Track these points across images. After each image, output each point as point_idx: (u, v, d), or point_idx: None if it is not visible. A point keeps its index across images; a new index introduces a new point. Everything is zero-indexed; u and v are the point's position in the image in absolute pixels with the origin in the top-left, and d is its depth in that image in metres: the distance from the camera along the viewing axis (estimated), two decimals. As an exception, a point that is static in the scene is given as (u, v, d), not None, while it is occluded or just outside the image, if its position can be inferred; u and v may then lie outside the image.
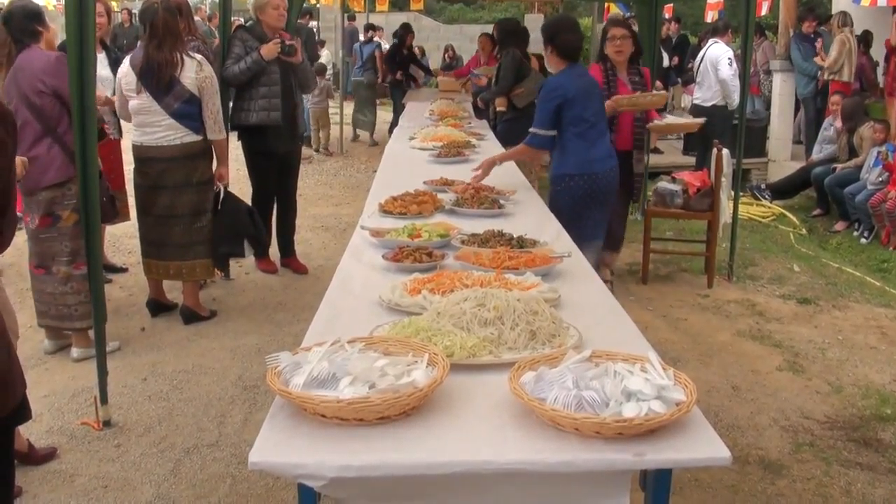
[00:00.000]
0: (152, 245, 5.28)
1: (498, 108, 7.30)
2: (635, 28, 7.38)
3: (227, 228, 5.35)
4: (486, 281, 2.64)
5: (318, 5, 19.36)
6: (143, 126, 5.13)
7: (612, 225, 5.36)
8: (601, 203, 4.87)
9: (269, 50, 5.91)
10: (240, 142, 6.32)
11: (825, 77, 10.53)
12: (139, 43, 5.20)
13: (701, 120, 6.79)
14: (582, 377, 1.86)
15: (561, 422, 1.78)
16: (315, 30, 19.01)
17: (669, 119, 6.72)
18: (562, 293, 2.70)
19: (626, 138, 5.73)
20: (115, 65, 5.71)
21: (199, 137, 5.16)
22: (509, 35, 7.53)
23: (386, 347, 2.08)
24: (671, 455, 1.74)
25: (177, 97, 5.03)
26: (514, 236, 3.33)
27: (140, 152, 5.19)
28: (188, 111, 5.08)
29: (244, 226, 5.45)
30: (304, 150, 11.99)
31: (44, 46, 4.59)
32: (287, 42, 5.97)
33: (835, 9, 12.07)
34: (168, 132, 5.08)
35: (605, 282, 3.92)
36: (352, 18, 19.02)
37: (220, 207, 5.34)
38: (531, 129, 4.81)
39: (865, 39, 11.47)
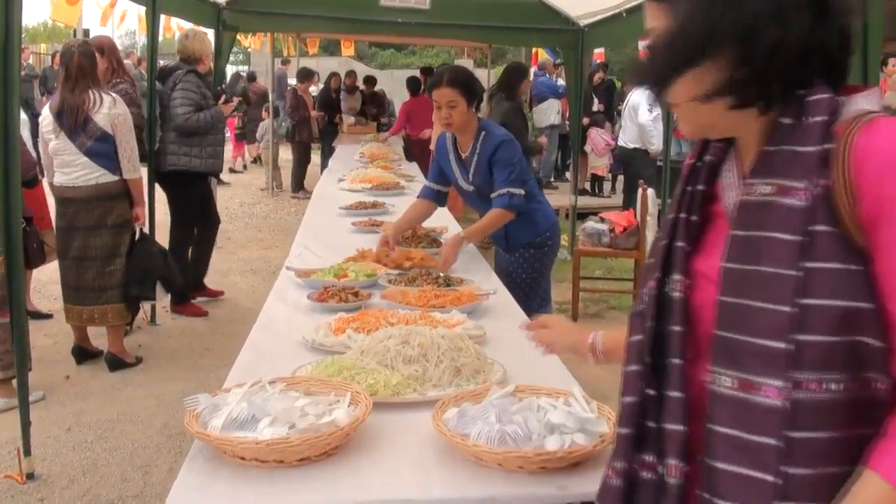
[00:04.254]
0: (70, 289, 5.17)
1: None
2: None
3: (140, 270, 5.25)
4: (412, 319, 2.64)
5: (249, 49, 19.36)
6: (63, 167, 5.06)
7: None
8: None
9: (228, 108, 6.37)
10: (163, 184, 6.35)
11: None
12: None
13: None
14: (505, 412, 1.86)
15: (484, 457, 1.77)
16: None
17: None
18: (487, 330, 2.70)
19: None
20: (25, 105, 5.64)
21: (115, 178, 5.08)
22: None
23: (308, 387, 2.05)
24: (595, 487, 1.73)
25: (90, 135, 4.97)
26: (441, 275, 3.33)
27: (58, 193, 5.13)
28: (102, 149, 5.01)
29: (157, 267, 5.34)
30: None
31: None
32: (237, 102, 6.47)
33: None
34: (83, 171, 5.02)
35: None
36: (285, 63, 19.06)
37: (133, 249, 5.26)
38: (509, 190, 3.93)
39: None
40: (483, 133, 4.05)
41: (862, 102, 1.20)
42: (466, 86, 3.96)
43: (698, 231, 1.33)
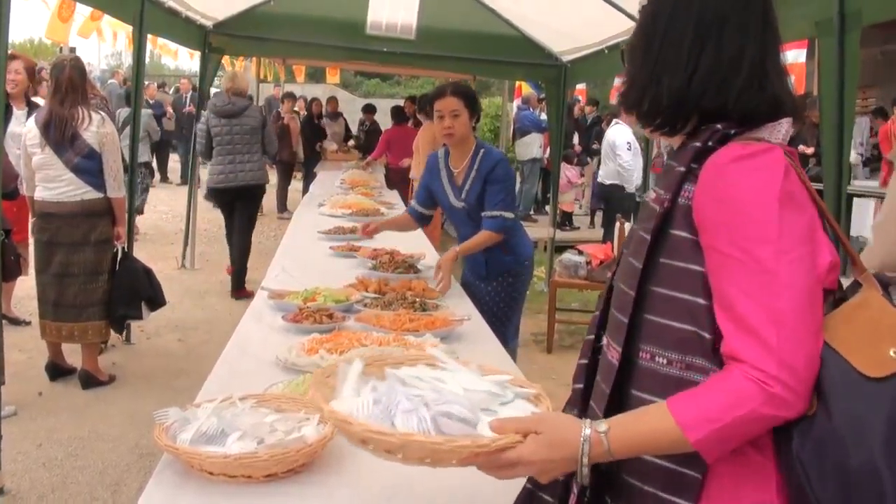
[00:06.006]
0: (48, 305, 5.13)
1: None
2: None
3: (127, 289, 5.25)
4: (385, 341, 2.66)
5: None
6: (46, 181, 5.04)
7: None
8: None
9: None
10: (245, 200, 7.74)
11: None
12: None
13: None
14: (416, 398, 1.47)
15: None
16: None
17: None
18: (460, 355, 2.71)
19: None
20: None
21: (100, 195, 5.08)
22: None
23: (278, 404, 2.07)
24: None
25: (77, 151, 4.97)
26: (417, 300, 3.36)
27: (41, 207, 5.10)
28: (88, 166, 5.01)
29: (142, 287, 5.35)
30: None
31: None
32: None
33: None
34: (68, 188, 5.00)
35: None
36: (276, 85, 19.25)
37: (117, 268, 5.25)
38: (502, 213, 3.96)
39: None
40: (482, 150, 4.10)
41: (764, 133, 1.38)
42: (470, 97, 4.04)
43: None
